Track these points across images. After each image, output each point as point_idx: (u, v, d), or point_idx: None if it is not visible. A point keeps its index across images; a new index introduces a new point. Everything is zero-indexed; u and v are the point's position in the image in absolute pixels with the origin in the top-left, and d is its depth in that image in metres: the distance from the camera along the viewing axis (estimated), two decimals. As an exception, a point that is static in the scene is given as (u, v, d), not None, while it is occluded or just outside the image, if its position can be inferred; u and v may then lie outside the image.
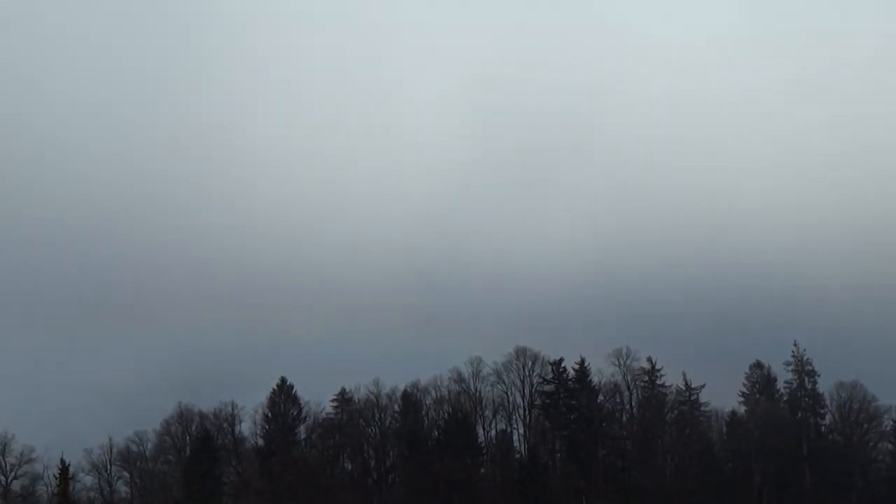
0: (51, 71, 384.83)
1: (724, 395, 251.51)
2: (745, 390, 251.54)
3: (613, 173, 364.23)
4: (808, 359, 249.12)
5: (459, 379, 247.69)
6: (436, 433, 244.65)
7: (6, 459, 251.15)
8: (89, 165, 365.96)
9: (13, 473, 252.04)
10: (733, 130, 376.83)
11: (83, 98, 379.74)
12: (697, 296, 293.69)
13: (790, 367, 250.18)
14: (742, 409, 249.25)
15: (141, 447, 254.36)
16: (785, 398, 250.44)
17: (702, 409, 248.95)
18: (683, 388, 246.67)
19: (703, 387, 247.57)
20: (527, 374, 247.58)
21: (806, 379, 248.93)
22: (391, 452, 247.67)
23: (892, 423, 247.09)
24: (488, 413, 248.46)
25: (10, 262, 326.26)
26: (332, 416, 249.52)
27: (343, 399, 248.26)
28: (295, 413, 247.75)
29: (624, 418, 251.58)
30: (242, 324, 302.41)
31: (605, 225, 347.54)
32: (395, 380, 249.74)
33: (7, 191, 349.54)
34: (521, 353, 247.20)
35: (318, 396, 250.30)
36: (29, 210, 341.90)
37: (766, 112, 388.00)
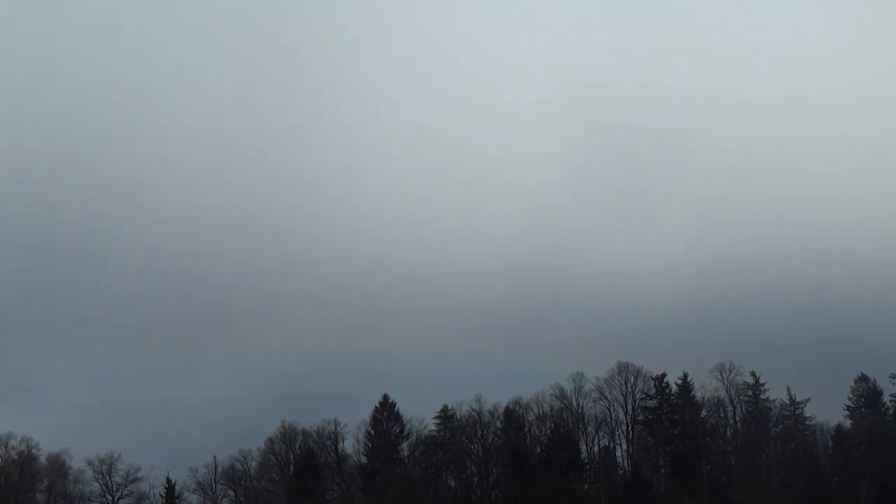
0: (153, 98, 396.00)
1: (829, 409, 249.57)
2: (850, 404, 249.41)
3: (714, 181, 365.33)
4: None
5: (561, 395, 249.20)
6: (538, 449, 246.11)
7: (112, 479, 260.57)
8: (191, 191, 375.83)
9: (119, 493, 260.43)
10: (837, 132, 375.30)
11: (182, 123, 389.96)
12: (801, 308, 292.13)
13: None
14: (848, 423, 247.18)
15: (245, 465, 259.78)
16: (891, 411, 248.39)
17: (807, 423, 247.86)
18: (788, 402, 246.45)
19: (807, 401, 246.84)
20: (629, 389, 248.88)
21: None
22: (494, 469, 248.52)
23: None
24: (591, 429, 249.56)
25: (116, 289, 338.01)
26: (434, 433, 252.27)
27: (445, 416, 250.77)
28: (397, 430, 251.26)
29: (728, 433, 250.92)
30: (345, 343, 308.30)
31: (707, 235, 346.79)
32: (497, 396, 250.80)
33: (114, 218, 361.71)
34: (623, 368, 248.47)
35: (420, 414, 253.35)
36: (136, 238, 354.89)
37: (870, 112, 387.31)
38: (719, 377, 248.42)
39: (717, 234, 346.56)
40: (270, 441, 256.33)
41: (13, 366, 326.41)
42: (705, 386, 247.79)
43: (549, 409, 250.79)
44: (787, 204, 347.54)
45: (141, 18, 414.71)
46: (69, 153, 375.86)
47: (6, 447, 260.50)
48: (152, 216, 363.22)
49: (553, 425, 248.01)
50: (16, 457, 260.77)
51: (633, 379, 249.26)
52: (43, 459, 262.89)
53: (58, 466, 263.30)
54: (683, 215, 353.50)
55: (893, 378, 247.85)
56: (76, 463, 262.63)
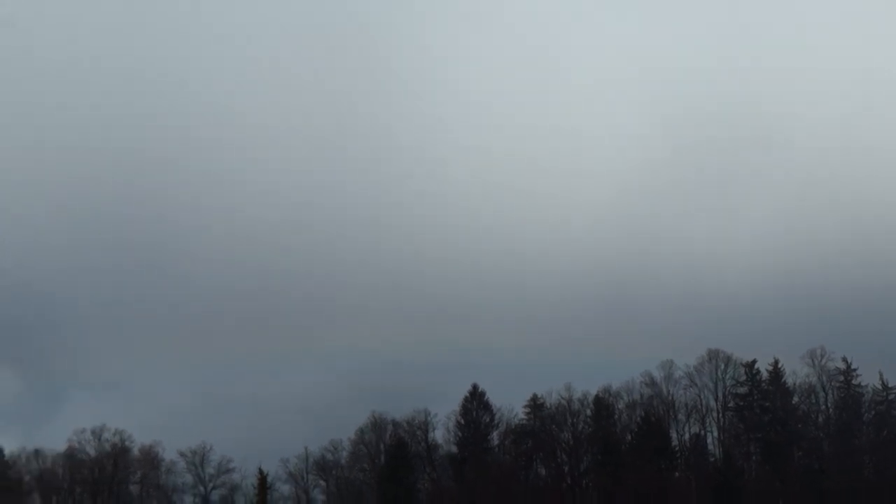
0: (241, 94, 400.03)
1: None
2: None
3: (805, 164, 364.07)
4: None
5: (651, 382, 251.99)
6: (628, 437, 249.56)
7: (205, 470, 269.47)
8: (282, 186, 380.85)
9: (212, 484, 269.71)
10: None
11: (269, 119, 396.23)
12: (893, 293, 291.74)
13: None
14: None
15: (336, 456, 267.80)
16: None
17: None
18: (880, 387, 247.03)
19: None
20: (719, 376, 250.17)
21: None
22: (584, 457, 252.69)
23: None
24: (681, 416, 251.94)
25: (207, 284, 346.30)
26: (524, 422, 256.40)
27: (535, 405, 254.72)
28: (487, 420, 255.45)
29: (819, 419, 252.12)
30: (434, 334, 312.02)
31: (797, 221, 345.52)
32: (587, 385, 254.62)
33: (203, 213, 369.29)
34: (713, 355, 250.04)
35: (509, 403, 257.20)
36: (226, 233, 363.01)
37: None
38: (811, 363, 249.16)
39: (808, 218, 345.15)
40: (361, 431, 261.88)
41: (107, 360, 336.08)
42: (796, 372, 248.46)
43: (638, 397, 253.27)
44: (881, 183, 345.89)
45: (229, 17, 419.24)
46: (159, 149, 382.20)
47: (100, 440, 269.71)
48: (242, 211, 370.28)
49: (643, 413, 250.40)
50: (109, 449, 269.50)
51: (723, 366, 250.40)
52: (136, 451, 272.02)
53: (151, 458, 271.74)
54: (774, 199, 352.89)
55: None
56: (168, 455, 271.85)
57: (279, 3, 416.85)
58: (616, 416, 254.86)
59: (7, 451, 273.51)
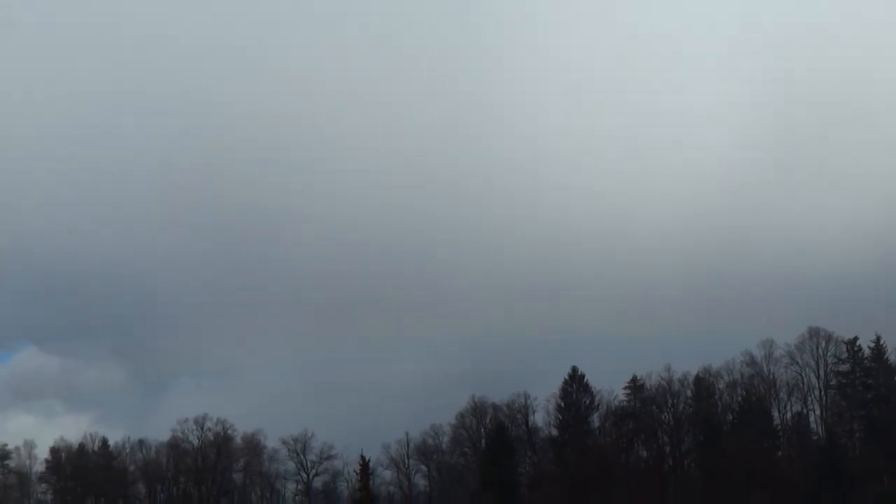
0: (348, 87, 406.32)
1: None
2: None
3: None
4: None
5: (752, 362, 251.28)
6: (730, 417, 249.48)
7: (307, 457, 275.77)
8: (383, 170, 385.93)
9: (314, 470, 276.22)
10: None
11: (366, 98, 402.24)
12: None
13: None
14: None
15: (437, 441, 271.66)
16: None
17: None
18: None
19: None
20: (821, 354, 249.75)
21: None
22: (685, 438, 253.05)
23: None
24: (783, 395, 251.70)
25: (308, 271, 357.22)
26: (624, 403, 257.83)
27: (635, 386, 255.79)
28: (587, 402, 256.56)
29: None
30: (532, 316, 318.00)
31: None
32: (687, 365, 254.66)
33: (305, 199, 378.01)
34: (814, 333, 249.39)
35: (609, 385, 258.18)
36: (329, 220, 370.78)
37: None
38: None
39: None
40: (461, 416, 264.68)
41: (210, 349, 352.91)
42: None
43: (739, 377, 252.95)
44: None
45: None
46: (265, 138, 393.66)
47: (203, 429, 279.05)
48: (345, 197, 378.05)
49: (744, 393, 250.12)
50: (212, 438, 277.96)
51: (824, 344, 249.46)
52: (238, 440, 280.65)
53: (253, 446, 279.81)
54: (876, 173, 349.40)
55: None
56: (270, 442, 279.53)
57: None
58: (717, 396, 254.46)
59: (112, 442, 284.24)
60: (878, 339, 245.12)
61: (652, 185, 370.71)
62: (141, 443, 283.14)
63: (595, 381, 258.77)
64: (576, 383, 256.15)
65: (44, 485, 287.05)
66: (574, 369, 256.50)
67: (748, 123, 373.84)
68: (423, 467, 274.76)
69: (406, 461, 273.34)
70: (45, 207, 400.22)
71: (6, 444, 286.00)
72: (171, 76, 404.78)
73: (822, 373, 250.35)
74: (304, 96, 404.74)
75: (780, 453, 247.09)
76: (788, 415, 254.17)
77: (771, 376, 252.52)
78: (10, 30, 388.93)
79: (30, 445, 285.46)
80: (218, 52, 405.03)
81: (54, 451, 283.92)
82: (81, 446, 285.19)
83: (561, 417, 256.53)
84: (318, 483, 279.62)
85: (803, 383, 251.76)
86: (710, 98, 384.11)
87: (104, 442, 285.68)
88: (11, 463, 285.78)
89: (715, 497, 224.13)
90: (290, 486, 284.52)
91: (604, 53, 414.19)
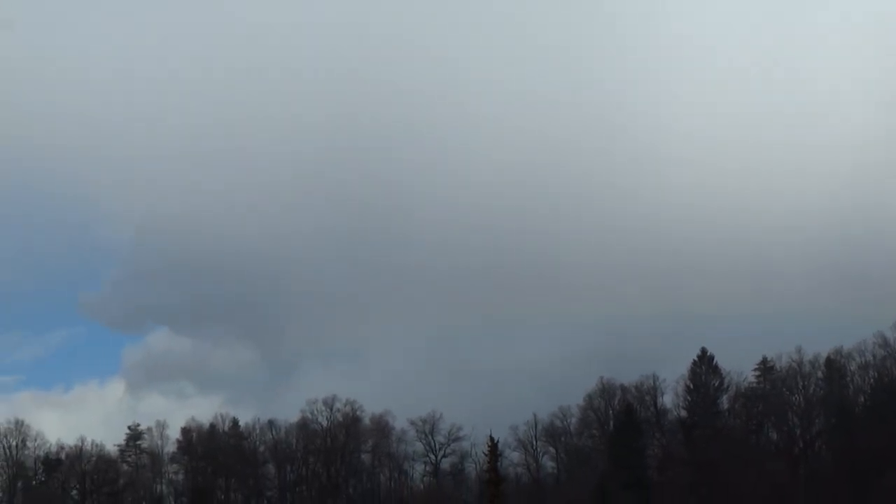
0: (481, 72, 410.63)
1: None
2: None
3: None
4: None
5: (885, 343, 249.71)
6: (862, 399, 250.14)
7: (435, 438, 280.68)
8: (516, 150, 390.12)
9: (442, 452, 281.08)
10: None
11: (505, 86, 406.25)
12: None
13: None
14: None
15: (565, 422, 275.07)
16: None
17: None
18: None
19: None
20: None
21: None
22: (816, 420, 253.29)
23: None
24: None
25: (445, 250, 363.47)
26: (754, 385, 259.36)
27: (765, 368, 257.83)
28: (716, 384, 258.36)
29: None
30: (661, 298, 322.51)
31: None
32: (818, 346, 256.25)
33: (449, 182, 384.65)
34: None
35: (738, 366, 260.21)
36: (466, 200, 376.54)
37: None
38: None
39: None
40: (589, 397, 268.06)
41: (340, 331, 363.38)
42: None
43: (871, 358, 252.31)
44: None
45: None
46: (395, 116, 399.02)
47: (332, 409, 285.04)
48: (479, 177, 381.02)
49: (876, 374, 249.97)
50: (341, 419, 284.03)
51: None
52: (367, 421, 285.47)
53: (381, 427, 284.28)
54: None
55: None
56: (399, 423, 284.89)
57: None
58: (849, 378, 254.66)
59: (242, 423, 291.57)
60: None
61: (786, 161, 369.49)
62: (270, 423, 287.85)
63: (724, 362, 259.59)
64: (705, 365, 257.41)
65: (175, 465, 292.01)
66: (703, 350, 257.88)
67: (889, 99, 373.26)
68: (551, 449, 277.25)
69: (534, 442, 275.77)
70: (178, 193, 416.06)
71: (139, 425, 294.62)
72: (301, 64, 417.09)
73: None
74: (438, 78, 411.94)
75: None
76: None
77: None
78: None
79: (162, 426, 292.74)
80: (347, 40, 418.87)
81: (185, 431, 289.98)
82: (212, 427, 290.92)
83: (690, 399, 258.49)
84: (445, 464, 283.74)
85: None
86: (853, 71, 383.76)
87: (234, 422, 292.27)
88: (144, 443, 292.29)
89: (847, 480, 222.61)
90: (419, 468, 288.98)
91: (730, 30, 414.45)
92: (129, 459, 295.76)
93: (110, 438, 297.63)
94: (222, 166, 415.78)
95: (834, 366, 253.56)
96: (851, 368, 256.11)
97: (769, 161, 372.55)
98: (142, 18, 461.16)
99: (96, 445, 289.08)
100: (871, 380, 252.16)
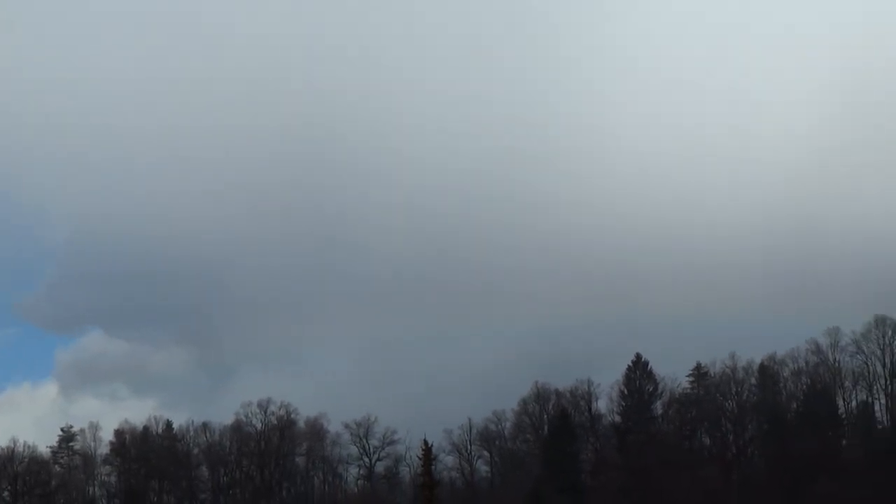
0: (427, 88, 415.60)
1: None
2: None
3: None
4: None
5: (817, 350, 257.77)
6: (794, 405, 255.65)
7: (370, 442, 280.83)
8: (457, 168, 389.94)
9: (376, 455, 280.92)
10: None
11: (440, 91, 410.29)
12: None
13: None
14: None
15: (499, 427, 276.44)
16: None
17: None
18: None
19: None
20: (887, 343, 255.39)
21: None
22: (749, 426, 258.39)
23: None
24: (848, 384, 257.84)
25: (377, 254, 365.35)
26: (688, 391, 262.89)
27: (699, 374, 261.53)
28: (651, 389, 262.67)
29: None
30: (597, 304, 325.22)
31: None
32: (751, 353, 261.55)
33: (381, 191, 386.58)
34: (880, 321, 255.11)
35: (673, 372, 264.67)
36: (395, 211, 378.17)
37: None
38: None
39: None
40: (524, 402, 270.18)
41: (276, 335, 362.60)
42: None
43: (804, 365, 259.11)
44: None
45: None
46: (334, 124, 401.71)
47: (266, 412, 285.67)
48: (421, 187, 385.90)
49: (809, 381, 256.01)
50: (275, 421, 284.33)
51: (890, 332, 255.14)
52: (301, 424, 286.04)
53: (316, 430, 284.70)
54: None
55: None
56: (333, 427, 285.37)
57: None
58: (781, 385, 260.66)
59: (176, 425, 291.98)
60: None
61: (720, 174, 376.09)
62: (205, 426, 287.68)
63: (658, 368, 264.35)
64: (639, 370, 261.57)
65: (108, 467, 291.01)
66: (638, 356, 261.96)
67: (823, 112, 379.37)
68: (486, 453, 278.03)
69: (468, 447, 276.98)
70: (115, 196, 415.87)
71: (72, 427, 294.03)
72: (246, 75, 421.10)
73: (888, 361, 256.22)
74: (383, 87, 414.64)
75: (844, 442, 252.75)
76: (854, 403, 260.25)
77: (836, 365, 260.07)
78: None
79: (95, 428, 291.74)
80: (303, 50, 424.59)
81: (119, 433, 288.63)
82: (146, 429, 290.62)
83: (624, 404, 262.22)
84: (380, 468, 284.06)
85: (869, 372, 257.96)
86: (786, 86, 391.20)
87: (168, 425, 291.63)
88: (76, 445, 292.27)
89: (780, 486, 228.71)
90: (353, 471, 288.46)
91: (683, 49, 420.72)
92: (61, 461, 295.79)
93: (43, 440, 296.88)
94: (161, 171, 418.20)
95: (767, 372, 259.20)
96: (784, 375, 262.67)
97: (704, 174, 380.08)
98: (83, 19, 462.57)
99: (28, 447, 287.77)
100: (804, 386, 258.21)
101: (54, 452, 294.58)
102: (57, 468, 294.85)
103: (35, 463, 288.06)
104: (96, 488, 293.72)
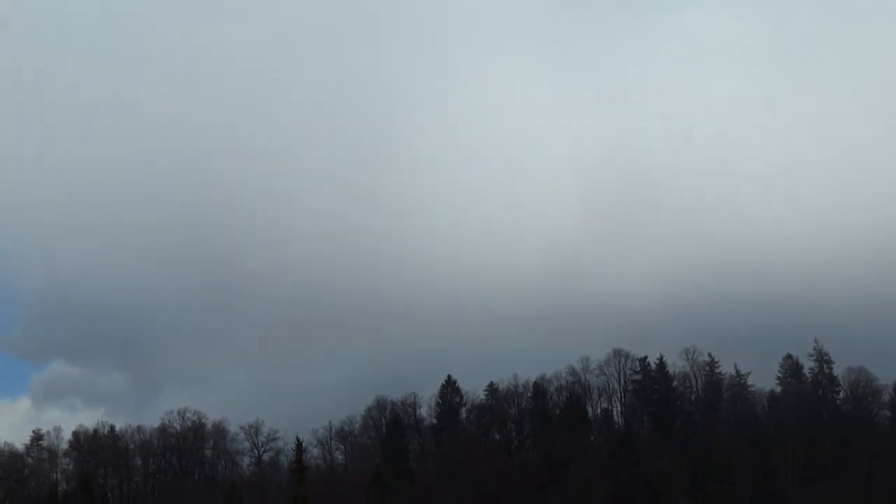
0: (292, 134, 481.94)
1: (765, 378, 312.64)
2: (780, 375, 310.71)
3: (687, 216, 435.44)
4: (825, 350, 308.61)
5: (573, 372, 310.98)
6: (557, 412, 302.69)
7: (259, 439, 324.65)
8: (307, 221, 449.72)
9: (263, 449, 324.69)
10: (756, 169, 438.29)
11: (301, 162, 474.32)
12: (744, 303, 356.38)
13: (813, 357, 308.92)
14: (778, 389, 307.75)
15: (351, 427, 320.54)
16: (810, 380, 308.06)
17: (749, 389, 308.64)
18: (735, 374, 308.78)
19: (749, 373, 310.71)
20: (621, 367, 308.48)
21: (824, 366, 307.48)
22: (526, 426, 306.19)
23: (889, 396, 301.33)
24: (595, 396, 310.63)
25: (266, 301, 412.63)
26: (484, 401, 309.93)
27: (492, 389, 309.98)
28: (458, 400, 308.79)
29: (692, 397, 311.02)
30: (421, 335, 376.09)
31: (679, 253, 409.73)
32: (528, 373, 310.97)
33: (266, 257, 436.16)
34: (617, 353, 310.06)
35: (474, 387, 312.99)
36: (272, 259, 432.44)
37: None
38: (686, 357, 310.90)
39: (685, 252, 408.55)
40: (369, 409, 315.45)
41: (191, 359, 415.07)
42: (675, 363, 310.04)
43: (564, 382, 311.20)
44: (732, 229, 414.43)
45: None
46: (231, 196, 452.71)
47: (184, 418, 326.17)
48: (288, 247, 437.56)
49: (568, 394, 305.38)
50: (190, 424, 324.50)
51: (624, 360, 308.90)
52: (209, 426, 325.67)
53: (220, 431, 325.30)
54: (663, 241, 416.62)
55: (811, 356, 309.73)
56: (232, 428, 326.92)
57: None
58: (549, 397, 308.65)
59: (118, 428, 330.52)
60: (661, 357, 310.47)
61: (506, 233, 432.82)
62: (139, 428, 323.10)
63: (464, 384, 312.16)
64: (450, 387, 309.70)
65: (67, 459, 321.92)
66: (449, 376, 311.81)
67: (575, 198, 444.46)
68: (342, 446, 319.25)
69: (329, 442, 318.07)
70: (70, 254, 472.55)
71: (40, 430, 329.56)
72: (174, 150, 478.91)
73: (622, 380, 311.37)
74: (267, 171, 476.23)
75: (592, 437, 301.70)
76: (599, 410, 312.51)
77: (587, 383, 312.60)
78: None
79: (58, 431, 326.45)
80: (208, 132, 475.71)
81: (76, 434, 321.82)
82: (96, 431, 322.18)
83: (439, 411, 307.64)
84: (266, 457, 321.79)
85: (609, 388, 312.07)
86: (553, 176, 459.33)
87: (112, 428, 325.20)
88: (44, 443, 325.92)
89: (547, 469, 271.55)
90: (246, 460, 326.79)
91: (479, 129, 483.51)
92: (32, 455, 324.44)
93: (18, 440, 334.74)
94: (108, 232, 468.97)
95: (539, 388, 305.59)
96: (551, 390, 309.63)
97: (492, 232, 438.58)
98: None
99: (7, 444, 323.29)
100: (564, 398, 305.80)
101: (27, 448, 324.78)
102: (29, 460, 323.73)
103: (12, 457, 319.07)
104: (58, 475, 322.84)
